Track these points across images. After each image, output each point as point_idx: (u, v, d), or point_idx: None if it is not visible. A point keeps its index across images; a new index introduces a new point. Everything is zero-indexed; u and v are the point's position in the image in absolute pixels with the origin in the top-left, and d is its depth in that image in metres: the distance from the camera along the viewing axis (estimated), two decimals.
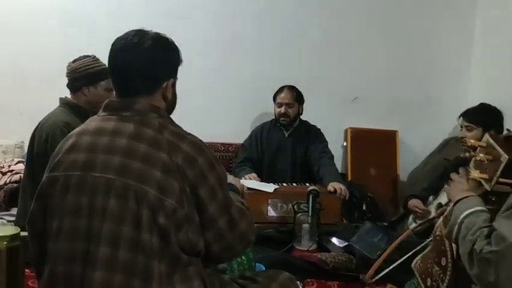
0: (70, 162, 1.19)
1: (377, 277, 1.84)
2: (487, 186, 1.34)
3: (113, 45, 1.27)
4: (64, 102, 2.28)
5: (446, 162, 2.96)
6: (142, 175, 1.13)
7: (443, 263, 1.49)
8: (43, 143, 2.12)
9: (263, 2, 3.44)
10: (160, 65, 1.25)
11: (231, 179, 1.52)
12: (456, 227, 1.32)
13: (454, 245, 1.45)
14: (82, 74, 2.22)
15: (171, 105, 1.32)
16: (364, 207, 3.03)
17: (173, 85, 1.30)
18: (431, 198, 2.68)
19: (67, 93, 2.31)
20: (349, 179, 3.42)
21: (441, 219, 1.56)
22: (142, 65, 1.22)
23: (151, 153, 1.15)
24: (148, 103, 1.23)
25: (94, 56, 2.27)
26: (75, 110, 2.24)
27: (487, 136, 1.36)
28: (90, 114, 2.21)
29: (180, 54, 1.31)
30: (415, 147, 3.58)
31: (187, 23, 3.30)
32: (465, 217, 1.30)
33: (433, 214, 2.53)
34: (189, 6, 3.35)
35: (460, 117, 2.64)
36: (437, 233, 1.56)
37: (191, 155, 1.17)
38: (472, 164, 1.42)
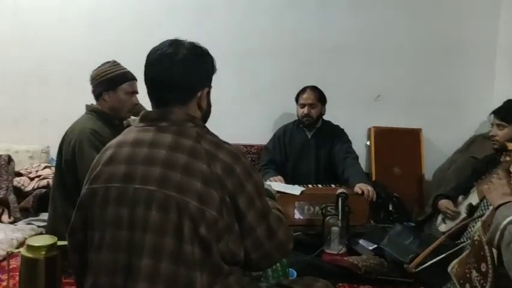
0: (109, 174, 1.19)
1: (421, 267, 1.82)
2: None
3: (148, 56, 1.27)
4: (90, 109, 2.30)
5: (474, 161, 2.91)
6: (182, 186, 1.13)
7: (483, 269, 1.46)
8: (71, 150, 2.14)
9: (284, 1, 3.41)
10: (195, 75, 1.25)
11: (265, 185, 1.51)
12: (498, 233, 1.29)
13: (494, 251, 1.42)
14: (101, 80, 2.23)
15: (206, 114, 1.32)
16: (390, 208, 3.00)
17: (208, 94, 1.31)
18: (460, 198, 2.63)
19: (93, 100, 2.33)
20: (373, 178, 3.38)
21: (479, 223, 1.53)
22: (177, 76, 1.23)
23: (191, 163, 1.15)
24: (184, 113, 1.23)
25: (114, 61, 2.29)
26: (101, 116, 2.25)
27: None
28: (115, 121, 2.26)
29: (214, 62, 1.31)
30: (440, 146, 3.51)
31: (208, 25, 3.30)
32: (508, 223, 1.27)
33: (463, 215, 2.49)
34: (208, 7, 3.35)
35: (491, 114, 2.58)
36: (476, 238, 1.53)
37: (229, 164, 1.17)
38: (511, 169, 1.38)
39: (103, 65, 2.28)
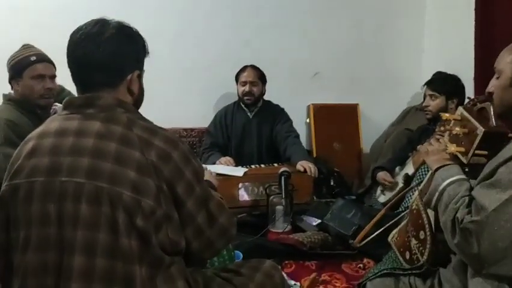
0: (32, 168, 1.09)
1: (364, 242, 1.86)
2: (463, 159, 1.34)
3: (71, 35, 1.17)
4: (7, 98, 2.13)
5: (409, 132, 3.03)
6: (114, 176, 1.05)
7: (422, 236, 1.50)
8: None
9: None
10: (123, 56, 1.16)
11: (207, 175, 1.46)
12: (437, 194, 1.29)
13: (432, 218, 1.46)
14: (9, 67, 2.08)
15: (138, 99, 1.24)
16: (332, 183, 3.06)
17: (139, 77, 1.22)
18: (397, 169, 2.73)
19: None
20: (314, 155, 3.43)
21: (417, 192, 1.57)
22: (103, 56, 1.13)
23: (123, 152, 1.07)
24: (113, 97, 1.15)
25: (24, 45, 2.13)
26: (18, 105, 2.09)
27: (461, 109, 1.36)
28: (36, 109, 2.10)
29: (146, 44, 1.23)
30: (376, 120, 3.63)
31: (139, 8, 3.12)
32: (447, 185, 1.28)
33: (400, 185, 2.59)
34: None
35: (424, 85, 2.68)
36: (414, 207, 1.57)
37: (165, 151, 1.10)
38: (446, 138, 1.41)
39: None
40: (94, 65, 1.13)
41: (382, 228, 1.88)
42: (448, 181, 1.28)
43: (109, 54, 1.13)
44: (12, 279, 1.09)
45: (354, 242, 1.96)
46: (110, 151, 1.07)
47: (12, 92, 2.14)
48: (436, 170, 1.35)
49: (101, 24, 1.16)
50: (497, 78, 1.27)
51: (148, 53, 1.24)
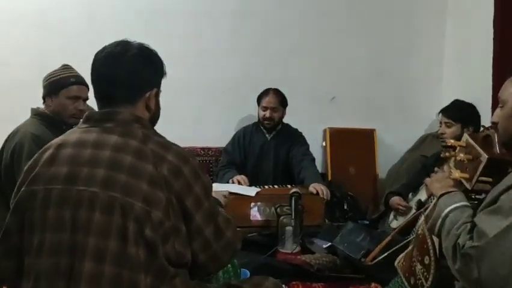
0: (50, 176, 1.16)
1: (376, 260, 1.85)
2: (467, 185, 1.35)
3: (96, 54, 1.26)
4: (35, 112, 2.23)
5: (424, 159, 3.01)
6: (127, 188, 1.11)
7: (427, 261, 1.50)
8: (10, 155, 2.07)
9: (241, 2, 3.41)
10: (142, 74, 1.24)
11: (213, 193, 1.51)
12: (439, 220, 1.31)
13: (436, 244, 1.46)
14: (46, 83, 2.19)
15: (155, 116, 1.31)
16: (345, 207, 3.05)
17: (157, 95, 1.29)
18: (410, 195, 2.71)
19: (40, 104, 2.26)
20: (329, 178, 3.43)
21: (423, 217, 1.58)
22: (124, 74, 1.22)
23: (137, 165, 1.13)
24: (131, 113, 1.22)
25: (65, 65, 2.24)
26: (45, 120, 2.19)
27: (466, 136, 1.38)
28: (62, 126, 2.19)
29: (164, 66, 1.31)
30: (393, 145, 3.62)
31: (163, 29, 3.25)
32: (450, 211, 1.29)
33: (413, 211, 2.57)
34: (163, 11, 3.29)
35: (439, 113, 2.68)
36: (420, 232, 1.58)
37: (176, 166, 1.16)
38: (451, 164, 1.43)
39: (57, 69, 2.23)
40: (115, 81, 1.22)
41: (394, 248, 1.89)
42: (450, 207, 1.29)
43: (130, 72, 1.22)
44: (22, 281, 1.14)
45: (366, 260, 1.96)
46: (125, 163, 1.13)
47: (41, 107, 2.24)
48: (440, 196, 1.36)
49: (123, 45, 1.25)
50: (501, 107, 1.29)
51: (165, 73, 1.31)
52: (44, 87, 2.19)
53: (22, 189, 1.18)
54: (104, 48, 1.26)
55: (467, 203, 1.31)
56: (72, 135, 1.22)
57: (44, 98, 2.21)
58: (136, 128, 1.19)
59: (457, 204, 1.30)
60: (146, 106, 1.25)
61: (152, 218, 1.10)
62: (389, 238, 2.10)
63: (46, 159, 1.19)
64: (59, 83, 2.17)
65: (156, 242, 1.10)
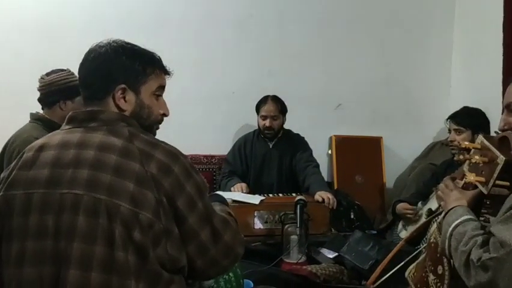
0: (29, 180, 1.09)
1: (378, 282, 1.77)
2: (483, 190, 1.27)
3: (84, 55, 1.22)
4: (35, 117, 2.17)
5: (433, 167, 2.94)
6: (113, 188, 1.04)
7: (440, 271, 1.42)
8: (13, 161, 2.01)
9: (243, 11, 3.38)
10: (103, 72, 1.17)
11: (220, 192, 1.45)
12: (447, 242, 1.27)
13: None
14: (59, 88, 2.11)
15: (142, 115, 1.20)
16: (352, 216, 2.96)
17: (125, 93, 1.17)
18: (420, 204, 2.63)
19: (37, 109, 2.20)
20: (335, 187, 3.36)
21: (435, 225, 1.50)
22: (86, 72, 1.19)
23: (122, 164, 1.07)
24: (116, 112, 1.16)
25: (69, 70, 2.18)
26: (48, 126, 2.12)
27: (481, 138, 1.30)
28: None
29: (142, 64, 1.19)
30: (400, 153, 3.55)
31: (167, 37, 3.21)
32: (453, 229, 1.26)
33: (423, 220, 2.49)
34: (166, 20, 3.27)
35: (447, 120, 2.61)
36: (432, 240, 1.50)
37: (166, 163, 1.09)
38: (466, 167, 1.35)
39: (57, 72, 2.16)
40: (81, 81, 1.20)
41: (398, 266, 1.81)
42: (453, 225, 1.26)
43: (91, 70, 1.18)
44: None
45: (367, 283, 1.88)
46: (110, 163, 1.06)
47: (40, 112, 2.18)
48: (444, 216, 1.34)
49: (103, 44, 1.19)
50: (510, 111, 1.26)
51: (143, 72, 1.19)
52: (57, 91, 2.11)
53: None
54: (90, 49, 1.22)
55: (469, 216, 1.26)
56: (55, 136, 1.16)
57: (53, 102, 2.13)
58: (122, 126, 1.13)
59: (458, 221, 1.26)
60: (116, 105, 1.17)
61: (141, 220, 1.03)
62: (395, 250, 2.01)
63: (25, 162, 1.12)
64: (76, 88, 2.10)
65: (146, 245, 1.03)
